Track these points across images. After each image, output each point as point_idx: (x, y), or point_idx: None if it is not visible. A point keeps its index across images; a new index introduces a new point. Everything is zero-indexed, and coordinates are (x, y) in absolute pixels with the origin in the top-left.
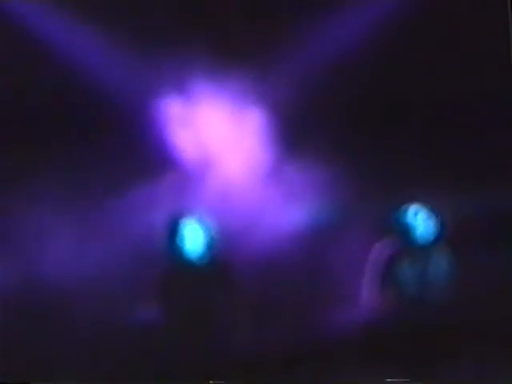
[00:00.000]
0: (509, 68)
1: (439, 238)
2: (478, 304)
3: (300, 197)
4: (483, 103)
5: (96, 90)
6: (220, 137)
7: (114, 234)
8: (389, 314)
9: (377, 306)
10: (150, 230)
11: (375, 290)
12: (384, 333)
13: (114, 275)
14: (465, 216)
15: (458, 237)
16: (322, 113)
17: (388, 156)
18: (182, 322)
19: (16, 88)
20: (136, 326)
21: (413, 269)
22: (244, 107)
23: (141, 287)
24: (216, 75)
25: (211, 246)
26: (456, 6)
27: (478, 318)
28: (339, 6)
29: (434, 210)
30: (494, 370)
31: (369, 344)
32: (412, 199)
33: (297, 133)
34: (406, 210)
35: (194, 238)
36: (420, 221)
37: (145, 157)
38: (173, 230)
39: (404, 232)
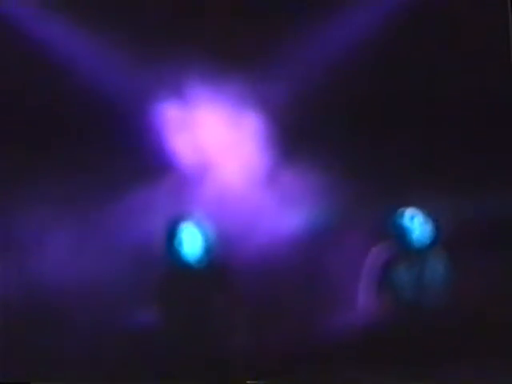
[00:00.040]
0: (509, 67)
1: (436, 241)
2: (474, 308)
3: (297, 201)
4: (483, 104)
5: (94, 93)
6: (217, 141)
7: (113, 237)
8: (386, 317)
9: (374, 309)
10: (149, 234)
11: (372, 294)
12: (381, 336)
13: (113, 278)
14: (461, 220)
15: (454, 240)
16: (319, 117)
17: (384, 161)
18: (180, 324)
19: (14, 92)
20: (135, 327)
21: (410, 273)
22: (241, 111)
23: (139, 290)
24: (214, 79)
25: (209, 249)
26: (456, 5)
27: (474, 321)
28: (337, 11)
29: (431, 213)
30: (490, 374)
31: (366, 347)
32: (408, 203)
33: (294, 137)
34: (402, 214)
35: (192, 242)
36: (416, 225)
37: (143, 161)
38: (171, 233)
39: (401, 236)
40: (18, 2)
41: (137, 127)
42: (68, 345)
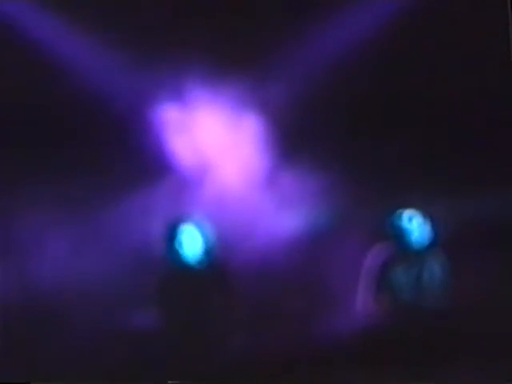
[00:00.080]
0: (509, 68)
1: (434, 242)
2: (473, 309)
3: (296, 202)
4: (483, 105)
5: (94, 96)
6: (217, 143)
7: (113, 238)
8: (385, 318)
9: (373, 310)
10: (148, 235)
11: (371, 295)
12: (380, 337)
13: (113, 279)
14: (460, 221)
15: (453, 242)
16: (318, 120)
17: (383, 162)
18: (180, 325)
19: (13, 93)
20: (135, 328)
21: (408, 274)
22: (241, 113)
23: (139, 291)
24: (213, 81)
25: (209, 250)
26: (456, 6)
27: (473, 322)
28: (337, 12)
29: (429, 215)
30: (490, 375)
31: (365, 348)
32: (407, 204)
33: (293, 139)
34: (401, 216)
35: (192, 243)
36: (415, 226)
37: (142, 162)
38: (171, 234)
39: (399, 237)
40: (17, 2)
41: (136, 129)
42: (68, 345)
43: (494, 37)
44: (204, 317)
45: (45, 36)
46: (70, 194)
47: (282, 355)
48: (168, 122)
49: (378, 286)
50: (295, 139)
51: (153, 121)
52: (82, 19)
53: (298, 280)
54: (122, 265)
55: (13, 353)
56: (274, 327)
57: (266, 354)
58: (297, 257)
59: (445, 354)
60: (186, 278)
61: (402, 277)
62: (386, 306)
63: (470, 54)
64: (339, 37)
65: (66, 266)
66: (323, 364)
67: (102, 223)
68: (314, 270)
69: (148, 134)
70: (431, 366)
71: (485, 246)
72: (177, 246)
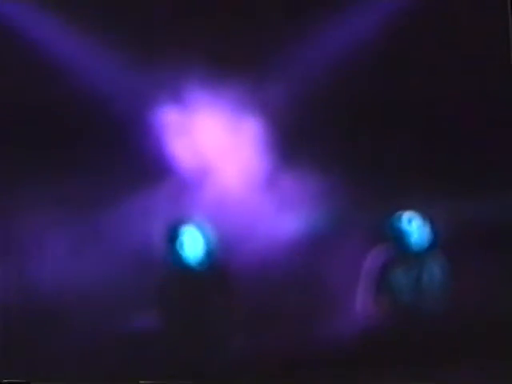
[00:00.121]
0: (509, 69)
1: (434, 244)
2: (473, 310)
3: (296, 204)
4: (483, 106)
5: (94, 98)
6: (217, 145)
7: (113, 240)
8: (384, 320)
9: (373, 312)
10: (149, 237)
11: (371, 297)
12: (380, 339)
13: (114, 280)
14: (459, 223)
15: (452, 243)
16: (317, 122)
17: (383, 164)
18: (180, 326)
19: (13, 95)
20: (135, 329)
21: (408, 276)
22: (240, 116)
23: (140, 292)
24: (213, 84)
25: (210, 252)
26: (456, 6)
27: (473, 324)
28: (337, 13)
29: (429, 216)
30: (490, 376)
31: (365, 350)
32: (407, 206)
33: (293, 142)
34: (400, 217)
35: (193, 244)
36: (415, 228)
37: (143, 165)
38: (172, 236)
39: (399, 239)
40: (17, 2)
41: (137, 131)
42: (68, 345)
43: (494, 37)
44: (204, 318)
45: (44, 37)
46: (70, 196)
47: (281, 357)
48: (168, 125)
49: (377, 288)
50: (295, 141)
51: (153, 123)
52: (82, 21)
53: (298, 282)
54: (122, 266)
55: (13, 353)
56: (273, 329)
57: (265, 356)
58: (297, 258)
59: (445, 355)
60: (187, 279)
61: (401, 279)
62: (386, 308)
63: (470, 54)
64: (339, 38)
65: (66, 266)
66: (323, 365)
67: (103, 224)
68: (314, 271)
69: (148, 135)
70: (431, 367)
71: (484, 248)
72: (178, 247)
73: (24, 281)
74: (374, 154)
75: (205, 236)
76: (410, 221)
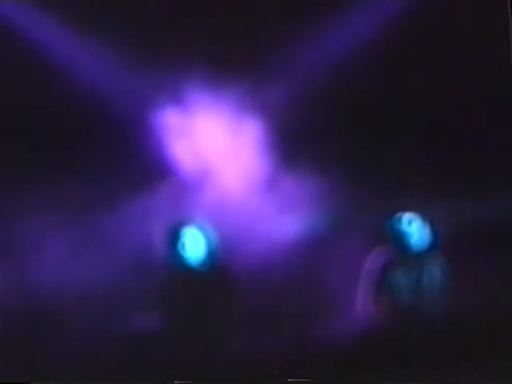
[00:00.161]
0: (509, 70)
1: (434, 246)
2: (472, 311)
3: (296, 206)
4: (483, 108)
5: (95, 100)
6: (217, 147)
7: (114, 242)
8: (384, 321)
9: (373, 313)
10: (150, 239)
11: (371, 298)
12: (380, 340)
13: (115, 282)
14: (459, 224)
15: (452, 245)
16: (318, 124)
17: (383, 165)
18: (181, 326)
19: (13, 97)
20: (136, 329)
21: (408, 277)
22: (241, 117)
23: (141, 293)
24: (213, 85)
25: (211, 253)
26: (456, 6)
27: (473, 325)
28: (337, 15)
29: (429, 218)
30: (490, 377)
31: (365, 351)
32: (407, 208)
33: (293, 143)
34: (400, 219)
35: (194, 246)
36: (414, 229)
37: (143, 167)
38: (174, 237)
39: (399, 240)
40: (17, 3)
41: (137, 133)
42: (68, 345)
43: (494, 37)
44: (205, 318)
45: (44, 37)
46: (70, 197)
47: (282, 357)
48: (168, 127)
49: (377, 289)
50: (295, 142)
51: (153, 124)
52: (82, 22)
53: (299, 282)
54: (123, 267)
55: (13, 353)
56: (274, 329)
57: (266, 356)
58: (297, 259)
59: (445, 355)
60: (188, 279)
61: (401, 279)
62: (386, 309)
63: (470, 54)
64: (339, 38)
65: (67, 268)
66: (323, 366)
67: (103, 226)
68: (315, 272)
69: (149, 137)
70: (431, 367)
71: (484, 249)
72: (179, 248)
73: (24, 282)
74: (374, 155)
75: (206, 237)
76: (410, 222)
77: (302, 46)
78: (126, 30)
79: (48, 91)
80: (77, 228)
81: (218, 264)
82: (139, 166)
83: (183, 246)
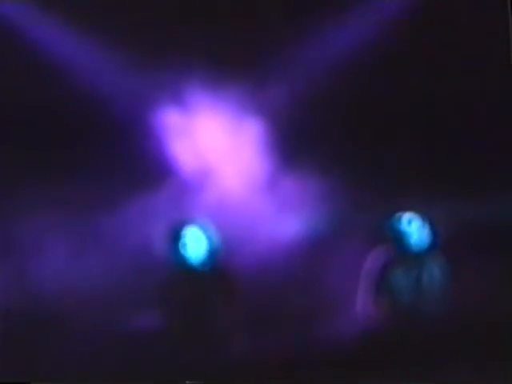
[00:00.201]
0: (509, 70)
1: (434, 245)
2: (472, 311)
3: (297, 206)
4: (483, 108)
5: (95, 100)
6: (218, 147)
7: (114, 242)
8: (384, 321)
9: (373, 313)
10: (150, 239)
11: (371, 298)
12: (380, 340)
13: (115, 281)
14: (459, 224)
15: (452, 245)
16: (318, 124)
17: (383, 165)
18: (181, 326)
19: (13, 97)
20: (137, 329)
21: (408, 276)
22: (241, 117)
23: (142, 293)
24: (214, 85)
25: (212, 252)
26: (456, 6)
27: (473, 325)
28: (337, 15)
29: (429, 217)
30: (490, 377)
31: (365, 351)
32: (406, 207)
33: (293, 143)
34: (400, 218)
35: (196, 245)
36: (414, 229)
37: (144, 167)
38: (175, 236)
39: (399, 240)
40: (17, 3)
41: (138, 133)
42: (68, 346)
43: (494, 37)
44: (206, 318)
45: (44, 37)
46: (70, 197)
47: (282, 357)
48: (169, 127)
49: (377, 289)
50: (296, 142)
51: (154, 124)
52: (82, 22)
53: (299, 282)
54: (123, 267)
55: (13, 353)
56: (274, 329)
57: (266, 356)
58: (297, 260)
59: (445, 355)
60: (189, 279)
61: (401, 279)
62: (386, 309)
63: (470, 54)
64: (339, 39)
65: (67, 268)
66: (323, 366)
67: (104, 226)
68: (315, 272)
69: (149, 137)
70: (431, 367)
71: (484, 249)
72: (181, 247)
73: (24, 282)
74: (374, 155)
75: (207, 237)
76: (409, 222)
77: (302, 46)
78: (125, 30)
79: (48, 91)
80: (77, 228)
81: (218, 264)
82: (139, 166)
83: (184, 245)
